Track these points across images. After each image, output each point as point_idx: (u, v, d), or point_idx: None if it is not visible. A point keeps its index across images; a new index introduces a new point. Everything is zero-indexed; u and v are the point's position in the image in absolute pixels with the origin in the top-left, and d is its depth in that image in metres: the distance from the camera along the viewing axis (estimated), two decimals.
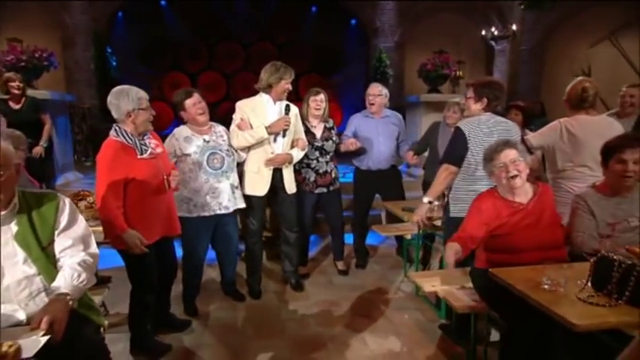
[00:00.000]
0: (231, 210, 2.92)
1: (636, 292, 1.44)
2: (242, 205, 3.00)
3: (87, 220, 2.54)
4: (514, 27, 7.89)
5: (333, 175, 3.51)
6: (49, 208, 1.61)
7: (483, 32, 8.33)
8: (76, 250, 1.65)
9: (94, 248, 1.73)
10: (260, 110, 3.03)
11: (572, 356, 1.82)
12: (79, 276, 1.58)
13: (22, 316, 1.53)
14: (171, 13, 9.08)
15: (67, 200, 1.68)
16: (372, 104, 3.61)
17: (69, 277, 1.56)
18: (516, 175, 2.03)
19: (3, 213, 1.51)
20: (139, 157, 2.26)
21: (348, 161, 3.93)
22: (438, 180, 2.54)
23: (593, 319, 1.39)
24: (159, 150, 2.41)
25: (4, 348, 1.18)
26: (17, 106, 4.13)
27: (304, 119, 3.36)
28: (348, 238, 3.92)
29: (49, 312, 1.41)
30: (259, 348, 2.59)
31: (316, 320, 2.95)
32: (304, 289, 3.41)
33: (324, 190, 3.45)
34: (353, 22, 9.54)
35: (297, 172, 3.35)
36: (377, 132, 3.64)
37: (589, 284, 1.58)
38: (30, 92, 4.38)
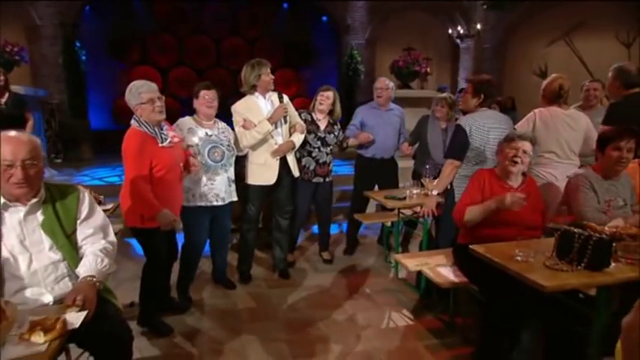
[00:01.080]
0: (226, 202, 3.04)
1: (593, 259, 1.71)
2: (235, 198, 3.13)
3: None
4: (478, 26, 8.30)
5: (330, 167, 3.70)
6: (72, 199, 1.73)
7: (450, 31, 8.70)
8: (96, 238, 1.77)
9: (112, 237, 1.85)
10: (254, 108, 3.18)
11: (540, 319, 2.09)
12: (102, 261, 1.71)
13: (48, 298, 1.63)
14: (140, 7, 8.94)
15: (87, 192, 1.80)
16: (380, 97, 3.84)
17: (93, 262, 1.68)
18: (517, 163, 2.29)
19: (33, 201, 1.61)
20: (160, 145, 2.45)
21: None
22: (444, 174, 2.78)
23: (558, 282, 1.65)
24: (176, 140, 2.58)
25: (52, 321, 1.29)
26: (2, 100, 4.06)
27: (310, 111, 3.56)
28: (334, 228, 4.11)
29: (80, 291, 1.53)
30: (255, 329, 2.74)
31: (306, 303, 3.13)
32: (291, 276, 3.58)
33: (321, 180, 3.63)
34: (324, 18, 9.70)
35: (297, 160, 3.51)
36: (383, 123, 3.87)
37: (554, 254, 1.84)
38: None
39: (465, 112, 2.97)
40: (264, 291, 3.35)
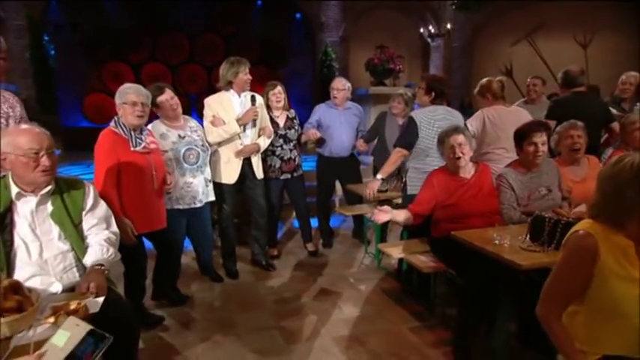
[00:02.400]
0: (204, 203, 3.06)
1: (561, 241, 1.91)
2: (212, 198, 3.15)
3: None
4: (448, 26, 8.60)
5: (297, 162, 3.78)
6: (78, 191, 1.81)
7: (422, 30, 8.97)
8: (100, 228, 1.85)
9: (115, 227, 1.93)
10: (227, 105, 3.21)
11: (514, 300, 2.29)
12: (108, 250, 1.79)
13: (57, 287, 1.68)
14: (111, 1, 8.73)
15: (91, 186, 1.89)
16: (336, 97, 3.94)
17: (99, 251, 1.76)
18: (460, 157, 2.48)
19: (44, 191, 1.68)
20: (131, 149, 2.42)
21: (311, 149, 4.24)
22: (391, 160, 2.94)
23: (532, 261, 1.84)
24: (153, 146, 2.57)
25: (74, 306, 1.36)
26: None
27: (268, 110, 3.58)
28: (313, 222, 4.24)
29: (91, 279, 1.60)
30: (244, 319, 2.85)
31: (292, 293, 3.25)
32: (276, 268, 3.69)
33: (289, 176, 3.72)
34: (298, 16, 9.78)
35: (263, 160, 3.56)
36: (340, 122, 3.97)
37: (528, 237, 2.04)
38: None
39: None
40: (251, 283, 3.44)
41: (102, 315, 1.66)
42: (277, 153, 3.65)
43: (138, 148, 2.45)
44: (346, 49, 9.43)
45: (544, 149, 2.44)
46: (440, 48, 9.74)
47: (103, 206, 1.89)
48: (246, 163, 3.35)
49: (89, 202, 1.83)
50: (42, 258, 1.66)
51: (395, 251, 2.81)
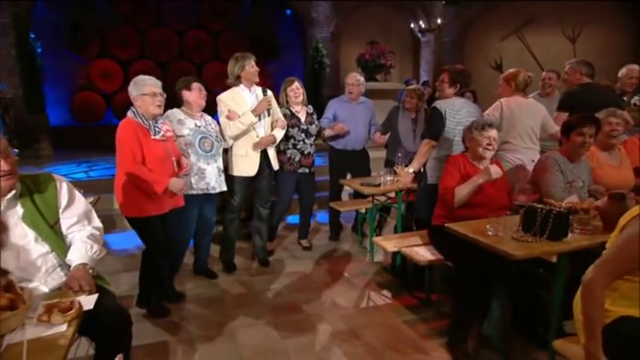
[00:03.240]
0: (217, 191, 3.13)
1: (553, 231, 1.93)
2: (225, 188, 3.22)
3: None
4: (439, 21, 8.62)
5: (314, 158, 3.83)
6: (49, 189, 1.71)
7: (412, 25, 8.98)
8: (81, 225, 1.78)
9: (97, 222, 1.85)
10: (239, 99, 3.27)
11: (508, 290, 2.32)
12: (92, 247, 1.72)
13: (43, 290, 1.63)
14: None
15: (63, 181, 1.78)
16: (352, 92, 4.00)
17: (82, 249, 1.69)
18: (489, 150, 2.50)
19: (9, 196, 1.59)
20: (152, 137, 2.56)
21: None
22: (421, 152, 2.95)
23: (524, 251, 1.86)
24: (169, 134, 2.67)
25: (67, 303, 1.34)
26: None
27: (288, 107, 3.65)
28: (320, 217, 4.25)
29: (78, 278, 1.55)
30: (242, 314, 2.84)
31: (288, 289, 3.25)
32: (271, 264, 3.68)
33: (306, 170, 3.75)
34: (288, 12, 9.72)
35: (282, 152, 3.65)
36: (354, 116, 4.02)
37: (520, 228, 2.06)
38: None
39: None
40: (246, 279, 3.43)
41: (95, 314, 1.64)
42: (299, 147, 3.68)
43: (157, 137, 2.59)
44: (337, 45, 9.41)
45: (591, 142, 2.51)
46: (430, 43, 9.76)
47: (80, 201, 1.81)
48: (263, 156, 3.40)
49: (63, 199, 1.73)
50: (20, 264, 1.59)
51: (389, 245, 2.82)
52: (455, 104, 2.89)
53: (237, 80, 3.29)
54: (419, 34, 9.59)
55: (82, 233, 1.76)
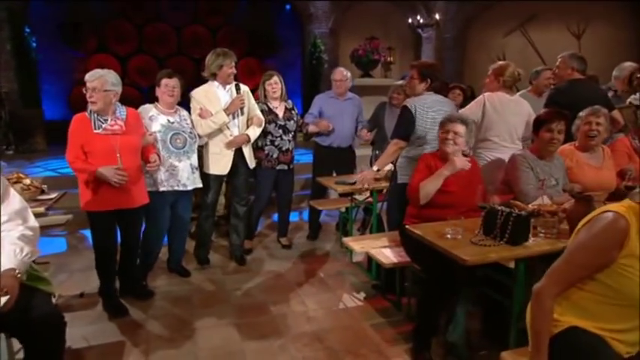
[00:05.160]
0: (189, 188, 3.08)
1: (513, 234, 1.83)
2: (199, 185, 3.17)
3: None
4: (437, 16, 8.44)
5: (293, 154, 3.75)
6: None
7: (410, 20, 8.82)
8: (13, 224, 1.66)
9: (32, 222, 1.74)
10: (212, 96, 3.21)
11: (472, 295, 2.22)
12: (22, 250, 1.60)
13: None
14: None
15: (2, 179, 1.67)
16: (338, 88, 3.91)
17: (11, 253, 1.58)
18: (450, 144, 2.37)
19: None
20: (94, 131, 2.54)
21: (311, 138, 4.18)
22: (388, 152, 2.84)
23: (478, 256, 1.75)
24: (116, 128, 2.59)
25: None
26: None
27: (265, 102, 3.57)
28: (294, 216, 4.16)
29: (2, 284, 1.47)
30: (207, 315, 2.77)
31: (259, 289, 3.17)
32: (247, 262, 3.61)
33: (285, 167, 3.68)
34: (287, 7, 9.63)
35: (260, 148, 3.58)
36: (341, 113, 3.93)
37: (481, 231, 1.95)
38: None
39: None
40: (219, 277, 3.37)
41: (24, 317, 1.59)
42: (276, 143, 3.61)
43: (99, 131, 2.55)
44: (336, 41, 9.29)
45: (560, 138, 2.42)
46: (431, 39, 9.58)
47: (15, 199, 1.70)
48: (238, 154, 3.33)
49: None
50: None
51: (357, 245, 2.73)
52: (427, 100, 2.77)
53: (213, 77, 3.22)
54: (419, 30, 9.41)
55: (12, 234, 1.64)
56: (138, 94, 8.35)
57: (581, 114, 2.72)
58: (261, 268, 3.55)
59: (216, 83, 3.23)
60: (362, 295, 3.05)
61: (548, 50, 8.85)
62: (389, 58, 9.30)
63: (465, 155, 2.47)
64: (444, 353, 2.31)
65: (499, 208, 1.89)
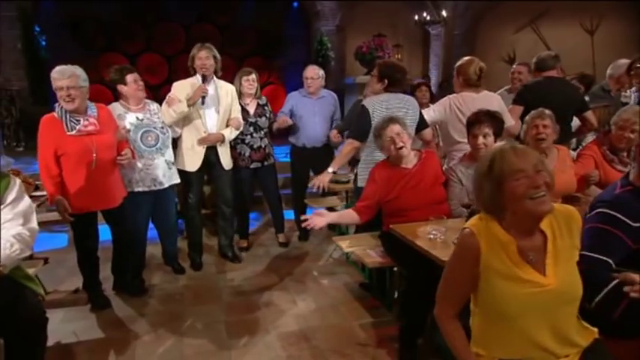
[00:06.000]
0: (166, 185, 3.04)
1: None
2: (177, 180, 3.14)
3: None
4: (444, 13, 8.33)
5: (267, 151, 3.68)
6: (1, 184, 1.72)
7: (416, 17, 8.72)
8: (14, 223, 1.75)
9: (33, 224, 1.84)
10: (191, 90, 3.14)
11: None
12: (12, 246, 1.69)
13: None
14: None
15: (18, 180, 1.81)
16: (310, 86, 3.80)
17: (2, 247, 1.66)
18: (402, 147, 2.34)
19: None
20: (67, 133, 2.45)
21: (283, 138, 4.12)
22: (342, 152, 2.80)
23: None
24: (91, 128, 2.52)
25: None
26: None
27: (238, 97, 3.47)
28: (289, 215, 4.14)
29: None
30: (196, 312, 2.79)
31: (251, 287, 3.17)
32: (242, 260, 3.62)
33: (259, 164, 3.63)
34: (295, 5, 9.61)
35: (232, 148, 3.51)
36: (313, 112, 3.83)
37: None
38: None
39: None
40: (213, 275, 3.38)
41: (6, 314, 1.63)
42: (247, 141, 3.56)
43: (73, 132, 2.47)
44: (342, 38, 9.24)
45: (485, 142, 2.31)
46: (440, 36, 9.46)
47: (26, 202, 1.81)
48: (212, 152, 3.28)
49: (10, 196, 1.74)
50: None
51: (344, 244, 2.70)
52: (386, 102, 2.68)
53: (194, 70, 3.16)
54: (427, 27, 9.31)
55: (10, 231, 1.74)
56: (147, 92, 8.42)
57: (526, 118, 2.64)
58: (256, 266, 3.55)
59: (197, 76, 3.15)
60: (354, 294, 3.03)
61: (560, 47, 8.64)
62: (397, 56, 9.24)
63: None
64: (432, 355, 2.28)
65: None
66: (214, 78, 3.25)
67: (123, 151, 2.68)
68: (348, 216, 2.47)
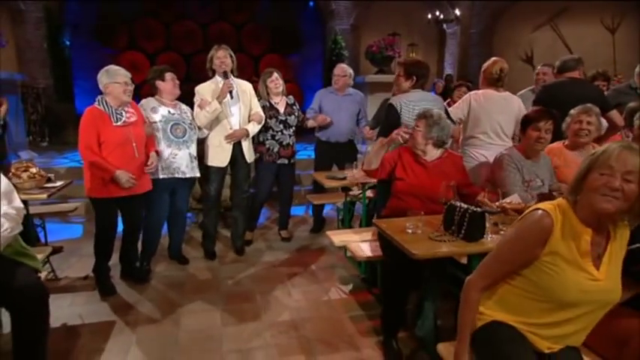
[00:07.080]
0: (187, 176, 3.24)
1: (468, 231, 1.84)
2: (197, 174, 3.33)
3: (31, 189, 2.84)
4: (457, 12, 8.27)
5: (294, 149, 3.86)
6: None
7: (430, 15, 8.68)
8: None
9: (17, 203, 1.94)
10: (215, 91, 3.34)
11: (438, 289, 2.23)
12: (2, 225, 1.78)
13: None
14: None
15: None
16: (337, 83, 4.01)
17: None
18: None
19: None
20: (113, 124, 2.73)
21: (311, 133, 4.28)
22: (373, 151, 2.83)
23: (428, 250, 1.78)
24: (132, 119, 2.82)
25: None
26: None
27: (267, 98, 3.69)
28: (294, 211, 4.25)
29: None
30: (196, 300, 2.92)
31: (250, 279, 3.29)
32: (245, 253, 3.74)
33: (285, 161, 3.78)
34: (311, 4, 9.70)
35: (261, 143, 3.71)
36: (339, 108, 4.01)
37: (442, 227, 1.97)
38: None
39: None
40: (215, 266, 3.51)
41: (7, 285, 1.78)
42: (277, 138, 3.72)
43: (119, 123, 2.76)
44: (357, 37, 9.27)
45: (547, 137, 2.40)
46: (456, 35, 9.39)
47: (4, 183, 1.90)
48: (237, 147, 3.47)
49: None
50: None
51: (337, 238, 2.78)
52: (412, 98, 2.75)
53: (212, 72, 3.41)
54: (443, 25, 9.24)
55: None
56: None
57: (572, 112, 2.65)
58: (258, 259, 3.67)
59: (218, 78, 3.38)
60: (348, 288, 3.11)
61: (579, 45, 8.49)
62: (411, 54, 9.21)
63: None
64: (415, 348, 2.34)
65: (457, 204, 1.90)
66: (232, 77, 3.42)
67: (149, 161, 2.95)
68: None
